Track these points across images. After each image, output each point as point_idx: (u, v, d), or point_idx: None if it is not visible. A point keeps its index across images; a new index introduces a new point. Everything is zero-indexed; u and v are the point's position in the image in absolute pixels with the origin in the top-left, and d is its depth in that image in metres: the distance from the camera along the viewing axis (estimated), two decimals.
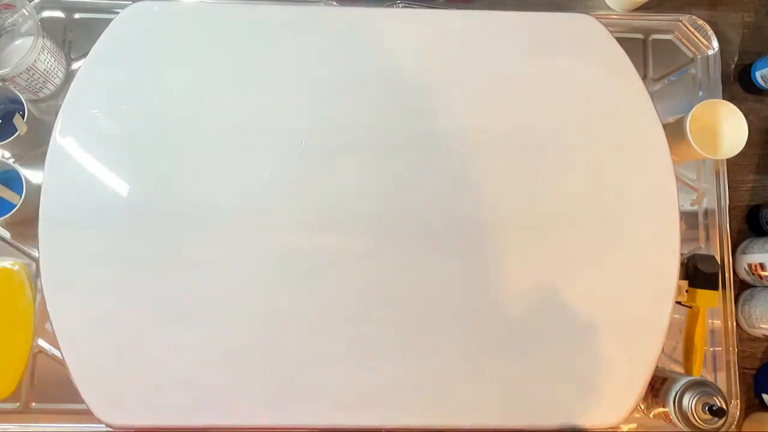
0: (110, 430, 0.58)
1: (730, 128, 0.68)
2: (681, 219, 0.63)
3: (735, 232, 0.74)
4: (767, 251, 0.69)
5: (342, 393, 0.58)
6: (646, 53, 0.78)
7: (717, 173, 0.75)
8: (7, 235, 0.69)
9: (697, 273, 0.69)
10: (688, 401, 0.59)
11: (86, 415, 0.57)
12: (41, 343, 0.67)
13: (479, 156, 0.63)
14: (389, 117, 0.63)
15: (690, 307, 0.70)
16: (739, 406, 0.69)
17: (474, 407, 0.59)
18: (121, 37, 0.64)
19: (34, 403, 0.67)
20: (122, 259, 0.59)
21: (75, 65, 0.74)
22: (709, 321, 0.71)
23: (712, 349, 0.71)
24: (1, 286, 0.67)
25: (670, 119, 0.74)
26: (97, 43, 0.63)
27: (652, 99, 0.65)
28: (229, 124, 0.63)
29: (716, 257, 0.71)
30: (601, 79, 0.66)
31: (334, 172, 0.62)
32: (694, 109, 0.67)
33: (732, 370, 0.70)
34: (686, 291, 0.69)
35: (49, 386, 0.67)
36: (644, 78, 0.76)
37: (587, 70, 0.66)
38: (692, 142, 0.66)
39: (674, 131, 0.69)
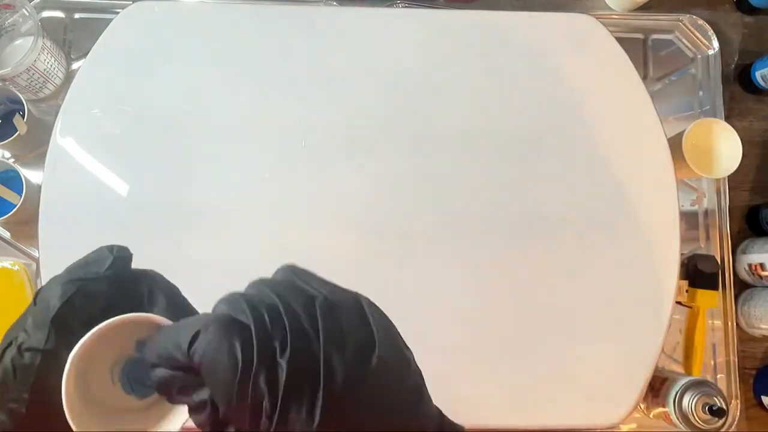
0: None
1: (725, 147, 0.68)
2: (681, 219, 0.63)
3: (735, 232, 0.74)
4: (767, 251, 0.69)
5: None
6: (646, 53, 0.78)
7: None
8: (7, 235, 0.69)
9: (697, 273, 0.69)
10: (688, 401, 0.59)
11: None
12: None
13: (479, 156, 0.63)
14: (389, 117, 0.63)
15: (690, 307, 0.70)
16: (739, 406, 0.69)
17: (474, 407, 0.59)
18: (122, 37, 0.64)
19: None
20: None
21: (75, 65, 0.74)
22: (709, 321, 0.71)
23: (712, 349, 0.71)
24: (1, 286, 0.67)
25: (667, 123, 0.74)
26: (97, 43, 0.63)
27: (652, 99, 0.65)
28: (229, 123, 0.63)
29: (716, 257, 0.71)
30: (601, 79, 0.66)
31: (334, 172, 0.62)
32: (689, 128, 0.67)
33: (732, 370, 0.70)
34: (686, 291, 0.69)
35: None
36: (644, 78, 0.76)
37: (587, 70, 0.66)
38: (688, 161, 0.66)
39: (670, 149, 0.69)
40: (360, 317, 0.24)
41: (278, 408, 0.21)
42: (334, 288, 0.25)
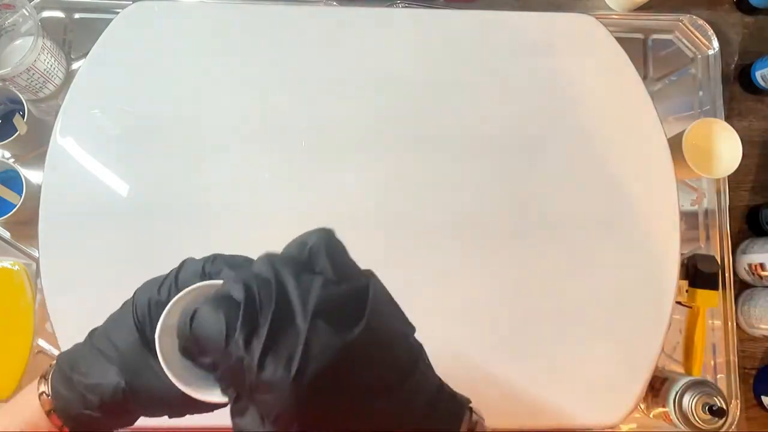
0: None
1: (725, 147, 0.68)
2: (681, 219, 0.63)
3: (735, 232, 0.74)
4: (767, 251, 0.69)
5: None
6: (646, 53, 0.78)
7: None
8: (7, 235, 0.69)
9: (697, 273, 0.69)
10: (688, 401, 0.59)
11: None
12: (41, 343, 0.67)
13: (479, 156, 0.63)
14: (389, 117, 0.63)
15: (690, 307, 0.70)
16: (739, 406, 0.69)
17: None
18: (121, 37, 0.64)
19: None
20: (122, 259, 0.59)
21: (75, 65, 0.74)
22: (709, 321, 0.71)
23: (712, 349, 0.71)
24: (1, 286, 0.67)
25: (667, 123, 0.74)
26: (97, 43, 0.63)
27: (652, 99, 0.65)
28: (229, 123, 0.63)
29: (716, 257, 0.71)
30: (601, 79, 0.66)
31: (333, 172, 0.62)
32: (689, 128, 0.67)
33: (732, 370, 0.70)
34: (686, 291, 0.69)
35: None
36: (644, 78, 0.76)
37: (587, 70, 0.66)
38: (688, 161, 0.65)
39: (670, 149, 0.69)
40: (357, 298, 0.27)
41: (256, 365, 0.24)
42: (346, 270, 0.29)
